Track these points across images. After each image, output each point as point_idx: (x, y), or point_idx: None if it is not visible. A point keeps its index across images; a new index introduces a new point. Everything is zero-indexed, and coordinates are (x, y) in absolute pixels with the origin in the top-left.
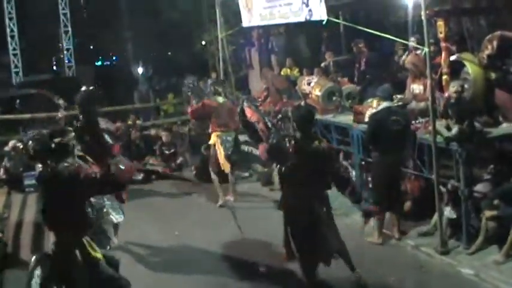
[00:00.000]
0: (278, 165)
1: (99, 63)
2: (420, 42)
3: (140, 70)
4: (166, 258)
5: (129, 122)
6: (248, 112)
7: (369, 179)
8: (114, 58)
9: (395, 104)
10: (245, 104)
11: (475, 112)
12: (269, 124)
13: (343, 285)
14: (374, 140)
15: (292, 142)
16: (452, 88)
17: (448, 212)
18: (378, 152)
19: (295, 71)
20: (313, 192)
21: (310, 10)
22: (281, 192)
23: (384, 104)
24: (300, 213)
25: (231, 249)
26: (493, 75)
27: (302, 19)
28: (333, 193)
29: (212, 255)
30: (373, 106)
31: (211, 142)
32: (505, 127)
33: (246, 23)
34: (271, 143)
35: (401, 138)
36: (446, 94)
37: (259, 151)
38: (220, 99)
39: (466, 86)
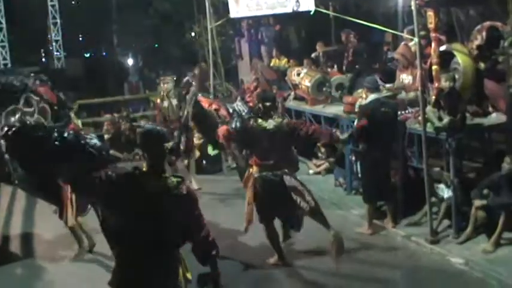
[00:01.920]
0: (242, 147)
1: (88, 54)
2: (413, 33)
3: (130, 61)
4: None
5: (117, 115)
6: (204, 102)
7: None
8: (103, 50)
9: (384, 95)
10: (199, 95)
11: (466, 103)
12: (230, 109)
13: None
14: (364, 131)
15: (254, 122)
16: (445, 80)
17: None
18: (368, 144)
19: (283, 62)
20: (280, 164)
21: (297, 1)
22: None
23: (373, 96)
24: (269, 184)
25: None
26: (482, 66)
27: (289, 10)
28: (327, 185)
29: None
30: (363, 97)
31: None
32: (494, 117)
33: (233, 13)
34: (235, 126)
35: (391, 129)
36: (436, 84)
37: (219, 133)
38: None
39: (456, 76)
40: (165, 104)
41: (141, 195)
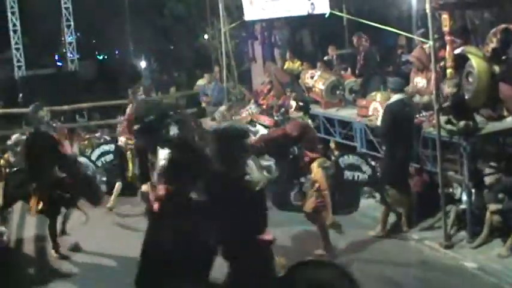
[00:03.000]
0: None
1: (102, 57)
2: (425, 35)
3: (143, 64)
4: None
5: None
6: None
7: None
8: (116, 52)
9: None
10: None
11: (475, 108)
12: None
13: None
14: (387, 131)
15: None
16: (448, 86)
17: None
18: (390, 144)
19: (297, 64)
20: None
21: (312, 4)
22: None
23: (397, 96)
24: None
25: None
26: (497, 69)
27: (304, 12)
28: None
29: None
30: (377, 100)
31: None
32: (509, 121)
33: (248, 16)
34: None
35: (412, 130)
36: (445, 91)
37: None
38: None
39: (470, 79)
40: None
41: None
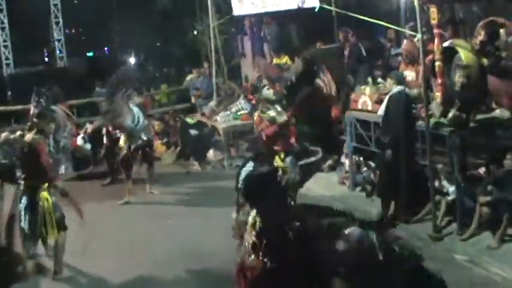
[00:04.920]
0: None
1: (91, 54)
2: (414, 29)
3: (133, 61)
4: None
5: None
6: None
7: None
8: (106, 49)
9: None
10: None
11: (474, 99)
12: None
13: None
14: (388, 121)
15: None
16: (458, 76)
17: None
18: (390, 137)
19: (284, 59)
20: None
21: None
22: None
23: (399, 87)
24: None
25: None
26: (485, 62)
27: (294, 6)
28: (330, 182)
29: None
30: (366, 93)
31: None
32: (498, 113)
33: (237, 11)
34: None
35: (414, 121)
36: (439, 81)
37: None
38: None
39: (458, 73)
40: None
41: None
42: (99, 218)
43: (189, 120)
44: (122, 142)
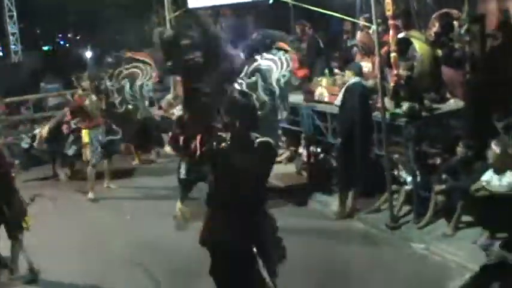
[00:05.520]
0: None
1: (47, 48)
2: (369, 20)
3: (89, 54)
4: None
5: None
6: None
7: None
8: (61, 42)
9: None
10: None
11: (424, 89)
12: None
13: None
14: (344, 111)
15: None
16: (403, 68)
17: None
18: (345, 127)
19: None
20: None
21: None
22: None
23: (357, 78)
24: None
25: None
26: (439, 52)
27: None
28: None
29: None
30: (322, 85)
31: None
32: (452, 103)
33: (192, 3)
34: None
35: (371, 111)
36: (394, 72)
37: None
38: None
39: (414, 63)
40: (87, 101)
41: None
42: (56, 214)
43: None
44: (85, 138)
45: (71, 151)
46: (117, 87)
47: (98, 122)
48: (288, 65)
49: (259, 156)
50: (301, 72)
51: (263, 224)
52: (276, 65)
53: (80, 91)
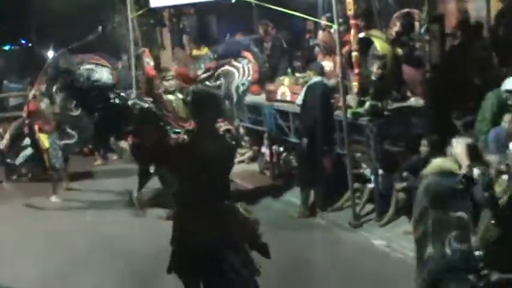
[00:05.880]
0: None
1: (7, 47)
2: (331, 20)
3: (51, 54)
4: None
5: None
6: None
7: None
8: (23, 42)
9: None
10: None
11: (386, 88)
12: None
13: None
14: (306, 110)
15: None
16: (377, 67)
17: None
18: (306, 126)
19: (204, 51)
20: None
21: None
22: None
23: (319, 78)
24: None
25: None
26: (400, 52)
27: None
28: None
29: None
30: (285, 84)
31: None
32: (413, 101)
33: (154, 2)
34: None
35: (332, 111)
36: (356, 71)
37: None
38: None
39: (375, 63)
40: (43, 105)
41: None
42: (15, 216)
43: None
44: (45, 143)
45: (19, 160)
46: None
47: (55, 125)
48: (249, 75)
49: (226, 142)
50: (255, 88)
51: (233, 219)
52: (239, 72)
53: (33, 93)
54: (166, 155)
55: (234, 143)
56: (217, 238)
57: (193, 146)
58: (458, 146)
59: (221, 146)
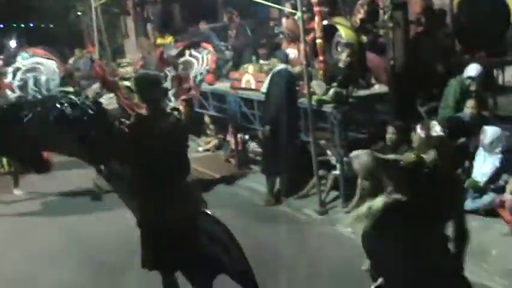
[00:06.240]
0: None
1: None
2: (295, 7)
3: (13, 44)
4: None
5: None
6: None
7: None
8: None
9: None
10: None
11: (357, 76)
12: None
13: None
14: (270, 98)
15: None
16: (347, 54)
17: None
18: (271, 113)
19: (168, 39)
20: None
21: None
22: None
23: (283, 65)
24: None
25: None
26: (364, 39)
27: None
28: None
29: None
30: (249, 72)
31: None
32: (377, 89)
33: None
34: None
35: (296, 98)
36: (321, 58)
37: None
38: None
39: (339, 49)
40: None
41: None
42: None
43: None
44: None
45: None
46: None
47: None
48: (207, 64)
49: (173, 118)
50: (210, 78)
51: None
52: (198, 62)
53: None
54: (119, 144)
55: (182, 119)
56: (183, 218)
57: (142, 127)
58: None
59: (169, 123)
